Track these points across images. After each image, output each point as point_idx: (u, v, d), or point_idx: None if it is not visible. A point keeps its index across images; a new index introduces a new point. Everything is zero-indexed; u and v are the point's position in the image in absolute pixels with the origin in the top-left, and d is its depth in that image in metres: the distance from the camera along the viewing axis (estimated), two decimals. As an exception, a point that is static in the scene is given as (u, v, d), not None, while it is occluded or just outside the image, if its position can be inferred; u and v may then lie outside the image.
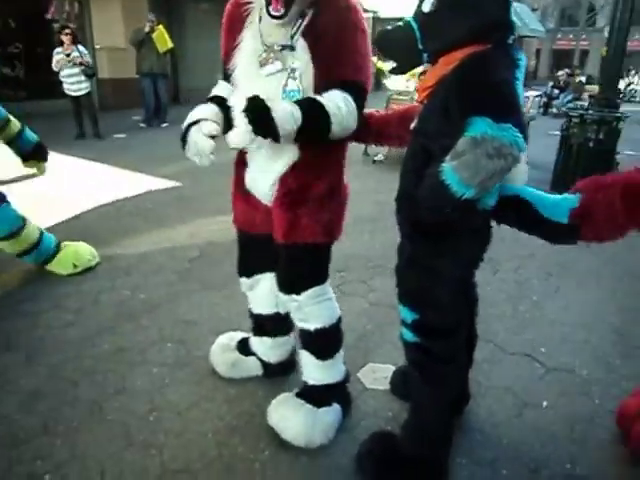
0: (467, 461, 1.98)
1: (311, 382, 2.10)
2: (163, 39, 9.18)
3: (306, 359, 2.09)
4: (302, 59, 1.74)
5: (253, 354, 2.40)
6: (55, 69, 7.88)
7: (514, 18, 1.57)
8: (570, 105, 7.55)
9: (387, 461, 1.87)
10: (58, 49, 7.83)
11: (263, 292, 2.23)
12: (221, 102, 1.93)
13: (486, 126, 1.37)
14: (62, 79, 8.01)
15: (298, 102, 1.69)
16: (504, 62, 1.51)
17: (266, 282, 2.19)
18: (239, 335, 2.52)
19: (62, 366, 2.47)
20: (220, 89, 2.00)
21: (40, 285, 3.32)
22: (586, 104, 6.98)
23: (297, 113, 1.64)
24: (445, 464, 1.88)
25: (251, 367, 2.40)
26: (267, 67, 1.77)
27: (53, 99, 9.89)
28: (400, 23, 1.64)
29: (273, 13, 1.69)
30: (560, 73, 16.32)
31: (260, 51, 1.78)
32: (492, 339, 2.78)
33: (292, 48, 1.75)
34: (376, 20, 18.18)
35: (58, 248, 3.48)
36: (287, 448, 2.00)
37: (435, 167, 1.45)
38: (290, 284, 1.99)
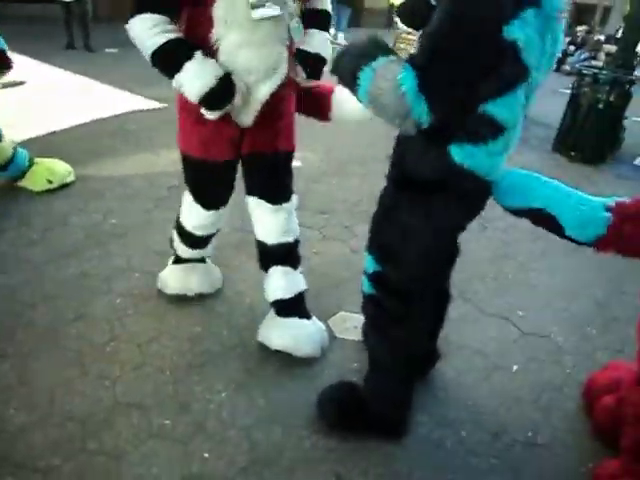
0: (428, 419, 1.94)
1: (288, 295, 2.17)
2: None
3: (282, 273, 2.17)
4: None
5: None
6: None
7: None
8: (585, 64, 7.21)
9: (348, 409, 1.83)
10: (48, -53, 7.26)
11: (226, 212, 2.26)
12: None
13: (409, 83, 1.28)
14: (52, -19, 7.48)
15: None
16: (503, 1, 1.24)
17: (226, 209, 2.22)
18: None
19: (21, 287, 2.37)
20: (168, 30, 1.71)
21: (9, 202, 3.16)
22: (601, 64, 6.67)
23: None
24: (403, 420, 1.84)
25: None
26: (260, 10, 1.72)
27: (43, 3, 9.28)
28: None
29: None
30: (579, 29, 15.61)
31: None
32: (471, 298, 2.70)
33: None
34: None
35: (31, 163, 3.31)
36: (245, 391, 1.94)
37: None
38: (283, 192, 2.14)
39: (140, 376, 1.97)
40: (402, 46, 6.82)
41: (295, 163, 2.39)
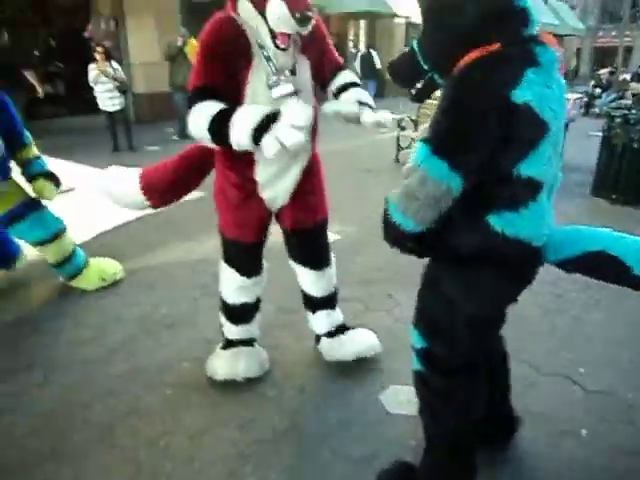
0: (497, 497, 1.82)
1: (333, 328, 2.55)
2: (195, 52, 9.25)
3: (326, 315, 2.53)
4: (305, 79, 2.05)
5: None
6: (92, 84, 8.06)
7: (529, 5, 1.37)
8: (613, 105, 7.17)
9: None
10: (91, 65, 8.00)
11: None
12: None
13: (423, 154, 1.36)
14: (97, 94, 8.18)
15: None
16: (502, 69, 1.30)
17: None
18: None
19: (76, 386, 2.43)
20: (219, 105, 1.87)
21: (62, 301, 3.32)
22: (630, 102, 6.64)
23: None
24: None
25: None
26: (277, 89, 1.95)
27: (91, 115, 10.13)
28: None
29: (281, 46, 1.91)
30: (602, 72, 15.70)
31: (269, 74, 1.94)
32: (526, 359, 2.59)
33: (294, 73, 2.00)
34: (409, 25, 17.98)
35: (86, 264, 3.49)
36: (299, 478, 1.88)
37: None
38: (325, 258, 2.43)
39: (192, 471, 1.95)
40: (427, 112, 6.99)
41: (333, 237, 2.47)
